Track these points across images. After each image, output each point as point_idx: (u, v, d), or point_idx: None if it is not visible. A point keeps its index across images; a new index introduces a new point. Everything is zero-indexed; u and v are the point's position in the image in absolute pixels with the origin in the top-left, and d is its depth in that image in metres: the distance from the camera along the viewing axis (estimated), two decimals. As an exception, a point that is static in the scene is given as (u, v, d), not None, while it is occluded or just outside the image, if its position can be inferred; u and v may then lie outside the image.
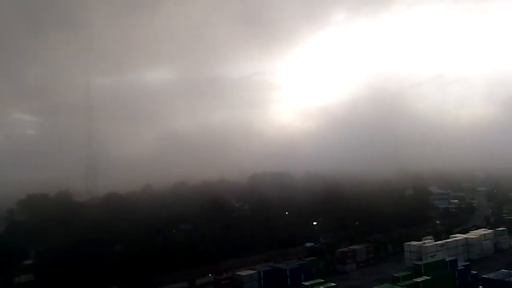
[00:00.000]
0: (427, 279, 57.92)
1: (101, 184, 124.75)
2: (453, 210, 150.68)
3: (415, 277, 59.28)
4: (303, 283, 59.54)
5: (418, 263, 68.45)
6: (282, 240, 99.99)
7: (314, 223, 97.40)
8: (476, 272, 70.01)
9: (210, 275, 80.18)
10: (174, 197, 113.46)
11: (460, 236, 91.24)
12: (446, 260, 69.14)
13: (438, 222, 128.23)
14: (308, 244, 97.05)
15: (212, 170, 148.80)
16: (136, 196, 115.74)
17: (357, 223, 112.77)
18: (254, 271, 71.99)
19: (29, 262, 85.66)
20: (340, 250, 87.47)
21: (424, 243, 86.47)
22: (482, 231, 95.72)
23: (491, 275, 67.15)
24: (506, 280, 59.65)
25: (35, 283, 75.76)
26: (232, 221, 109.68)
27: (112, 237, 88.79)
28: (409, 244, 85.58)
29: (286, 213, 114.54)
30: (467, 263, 72.84)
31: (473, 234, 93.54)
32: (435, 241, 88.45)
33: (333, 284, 57.84)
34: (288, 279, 70.75)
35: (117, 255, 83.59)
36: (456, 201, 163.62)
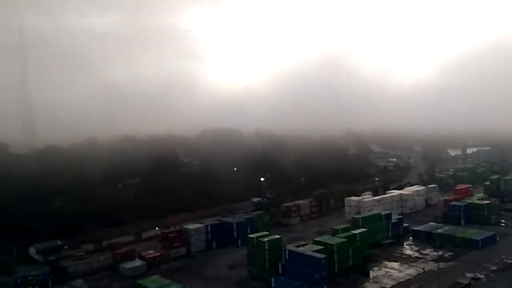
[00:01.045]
0: (363, 231, 62.28)
1: (40, 135, 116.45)
2: (391, 168, 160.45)
3: (353, 229, 63.52)
4: (249, 235, 61.75)
5: (357, 216, 73.38)
6: (230, 195, 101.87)
7: (262, 179, 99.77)
8: (407, 224, 76.50)
9: (157, 228, 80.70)
10: (121, 151, 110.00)
11: (395, 192, 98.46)
12: (382, 214, 74.54)
13: (377, 179, 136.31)
14: (255, 199, 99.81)
15: (160, 124, 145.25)
16: (78, 148, 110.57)
17: (302, 179, 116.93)
18: (201, 225, 73.43)
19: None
20: (285, 204, 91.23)
21: (363, 198, 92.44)
22: (415, 188, 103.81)
23: (420, 227, 73.98)
24: (433, 231, 65.96)
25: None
26: (180, 177, 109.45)
27: (53, 191, 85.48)
28: (349, 199, 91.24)
29: (235, 169, 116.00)
30: (400, 216, 79.12)
31: (407, 190, 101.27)
32: (373, 197, 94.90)
33: (277, 236, 60.58)
34: (235, 232, 73.16)
35: (57, 209, 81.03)
36: (394, 159, 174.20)
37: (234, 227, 73.50)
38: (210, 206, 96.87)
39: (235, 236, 72.68)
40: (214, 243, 72.03)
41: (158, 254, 65.58)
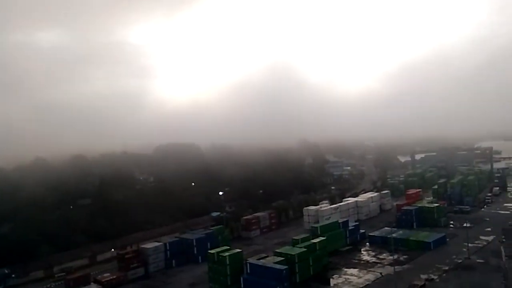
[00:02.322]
0: (322, 239, 63.17)
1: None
2: (346, 176, 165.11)
3: (312, 238, 64.30)
4: (209, 251, 60.81)
5: (315, 225, 74.54)
6: (188, 210, 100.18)
7: (220, 193, 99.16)
8: (364, 230, 78.65)
9: (112, 250, 77.51)
10: (71, 171, 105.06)
11: (351, 200, 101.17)
12: (339, 221, 76.11)
13: (333, 187, 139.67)
14: (214, 214, 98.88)
15: (113, 142, 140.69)
16: (25, 171, 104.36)
17: (261, 191, 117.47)
18: (159, 243, 71.32)
19: None
20: (244, 217, 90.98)
21: (320, 207, 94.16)
22: (369, 194, 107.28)
23: (376, 233, 76.27)
24: (388, 236, 68.24)
25: None
26: (136, 194, 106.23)
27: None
28: (308, 209, 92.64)
29: (193, 184, 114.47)
30: (357, 223, 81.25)
31: (362, 197, 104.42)
32: (330, 205, 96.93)
33: (238, 250, 60.09)
34: (195, 248, 71.72)
35: (4, 235, 75.84)
36: (349, 168, 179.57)
37: (194, 244, 72.06)
38: (168, 223, 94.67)
39: (195, 252, 71.25)
40: (174, 261, 70.15)
41: (115, 276, 62.84)
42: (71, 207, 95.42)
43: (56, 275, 68.38)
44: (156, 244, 71.10)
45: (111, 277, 62.38)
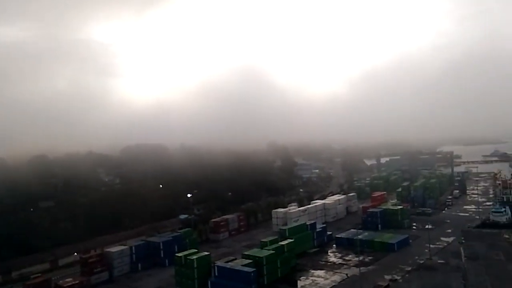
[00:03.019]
0: (290, 242, 63.68)
1: None
2: (314, 179, 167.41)
3: (281, 241, 64.67)
4: (176, 254, 59.96)
5: (283, 228, 75.05)
6: (156, 213, 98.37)
7: (189, 195, 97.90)
8: (331, 232, 79.93)
9: (75, 254, 74.98)
10: (33, 172, 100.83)
11: (319, 202, 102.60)
12: (307, 223, 76.98)
13: (301, 190, 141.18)
14: (182, 216, 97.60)
15: (77, 142, 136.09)
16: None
17: (229, 193, 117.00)
18: (125, 247, 69.68)
19: None
20: (213, 220, 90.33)
21: (289, 209, 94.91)
22: (336, 197, 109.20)
23: (342, 235, 77.67)
24: (354, 238, 69.72)
25: None
26: (101, 197, 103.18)
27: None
28: (276, 211, 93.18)
29: (161, 186, 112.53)
30: (324, 225, 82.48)
31: (330, 199, 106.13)
32: (299, 207, 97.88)
33: (206, 253, 59.59)
34: (162, 252, 70.49)
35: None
36: (317, 170, 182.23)
37: (161, 247, 70.82)
38: (135, 226, 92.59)
39: (162, 256, 70.04)
40: (140, 265, 68.63)
41: (77, 281, 60.56)
42: (32, 209, 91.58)
43: (14, 281, 65.29)
44: (121, 247, 69.40)
45: (73, 282, 60.03)
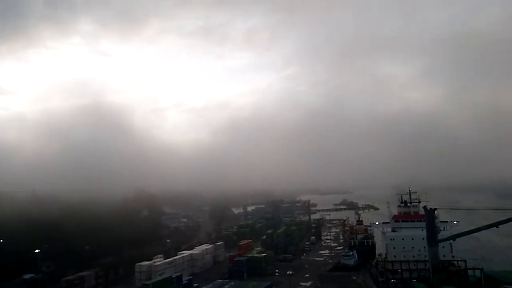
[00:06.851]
0: (154, 298, 60.01)
1: None
2: (183, 228, 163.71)
3: (144, 297, 60.50)
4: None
5: (147, 282, 70.43)
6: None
7: (36, 250, 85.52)
8: (197, 284, 77.75)
9: None
10: None
11: (186, 253, 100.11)
12: (173, 276, 73.80)
13: (168, 240, 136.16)
14: (27, 276, 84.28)
15: None
16: None
17: (87, 246, 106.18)
18: None
19: None
20: (65, 278, 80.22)
21: (154, 262, 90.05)
22: (204, 246, 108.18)
23: (209, 286, 76.18)
24: (220, 289, 69.11)
25: None
26: None
27: None
28: (140, 265, 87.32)
29: (1, 240, 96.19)
30: (191, 277, 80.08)
31: (197, 249, 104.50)
32: (165, 259, 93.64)
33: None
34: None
35: None
36: (185, 220, 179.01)
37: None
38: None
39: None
40: None
41: None
42: None
43: None
44: None
45: None
